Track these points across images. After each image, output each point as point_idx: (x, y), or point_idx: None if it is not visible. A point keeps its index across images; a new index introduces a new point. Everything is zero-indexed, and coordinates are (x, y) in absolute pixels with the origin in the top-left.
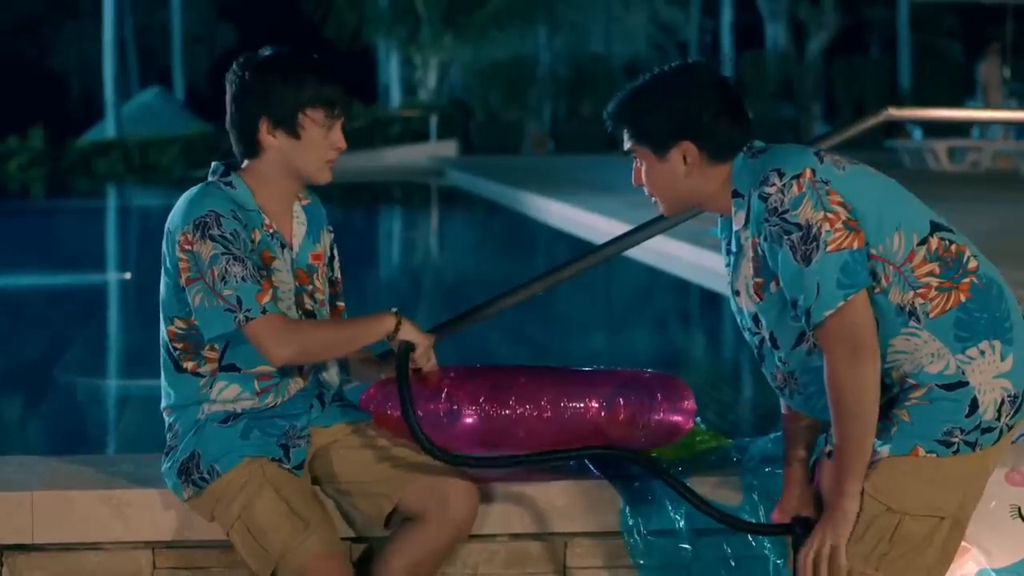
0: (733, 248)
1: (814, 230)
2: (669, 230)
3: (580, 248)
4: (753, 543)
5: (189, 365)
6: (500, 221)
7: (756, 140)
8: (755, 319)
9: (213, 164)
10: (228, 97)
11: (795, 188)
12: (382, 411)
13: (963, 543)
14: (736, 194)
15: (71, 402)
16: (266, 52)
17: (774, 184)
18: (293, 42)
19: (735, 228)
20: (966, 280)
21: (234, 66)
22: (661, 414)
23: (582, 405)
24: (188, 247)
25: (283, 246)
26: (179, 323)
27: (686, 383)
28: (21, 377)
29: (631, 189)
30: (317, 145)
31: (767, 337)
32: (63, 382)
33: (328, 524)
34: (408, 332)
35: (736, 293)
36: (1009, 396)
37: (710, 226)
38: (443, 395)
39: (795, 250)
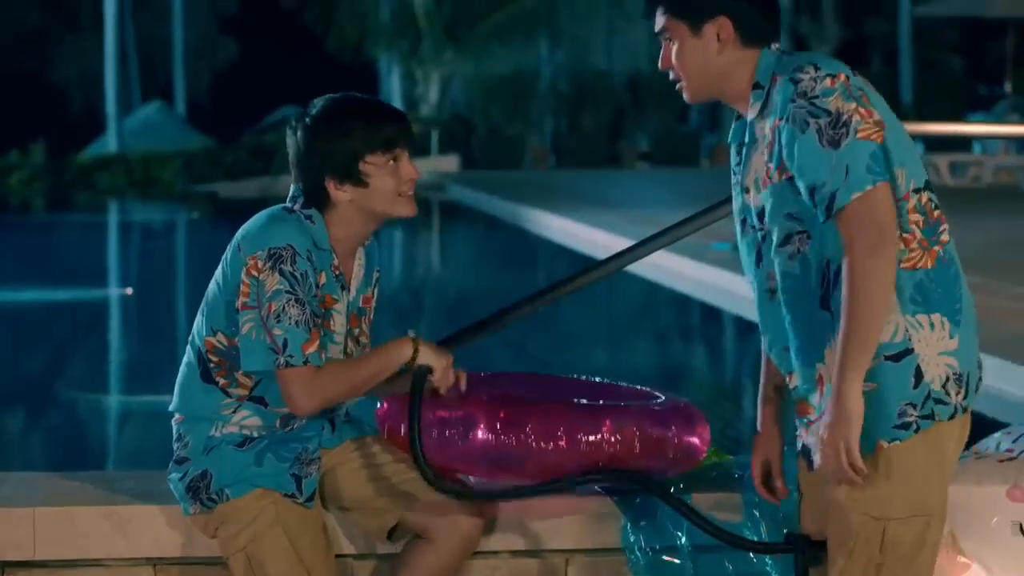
0: (746, 140)
1: (844, 117)
2: (670, 245)
3: (581, 263)
4: (755, 560)
5: (220, 381)
6: (501, 236)
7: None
8: (760, 214)
9: (293, 189)
10: (290, 155)
11: (828, 81)
12: (396, 428)
13: (963, 559)
14: (757, 86)
15: (72, 418)
16: (315, 107)
17: (808, 72)
18: (294, 56)
19: (750, 118)
20: (936, 248)
21: (290, 123)
22: (677, 444)
23: (598, 438)
24: (255, 273)
25: (343, 288)
26: (222, 338)
27: (699, 410)
28: (22, 393)
29: (632, 204)
30: (387, 185)
31: (769, 231)
32: (64, 398)
33: (331, 569)
34: (426, 356)
35: (745, 190)
36: (955, 374)
37: (712, 241)
38: (457, 422)
39: (822, 133)
